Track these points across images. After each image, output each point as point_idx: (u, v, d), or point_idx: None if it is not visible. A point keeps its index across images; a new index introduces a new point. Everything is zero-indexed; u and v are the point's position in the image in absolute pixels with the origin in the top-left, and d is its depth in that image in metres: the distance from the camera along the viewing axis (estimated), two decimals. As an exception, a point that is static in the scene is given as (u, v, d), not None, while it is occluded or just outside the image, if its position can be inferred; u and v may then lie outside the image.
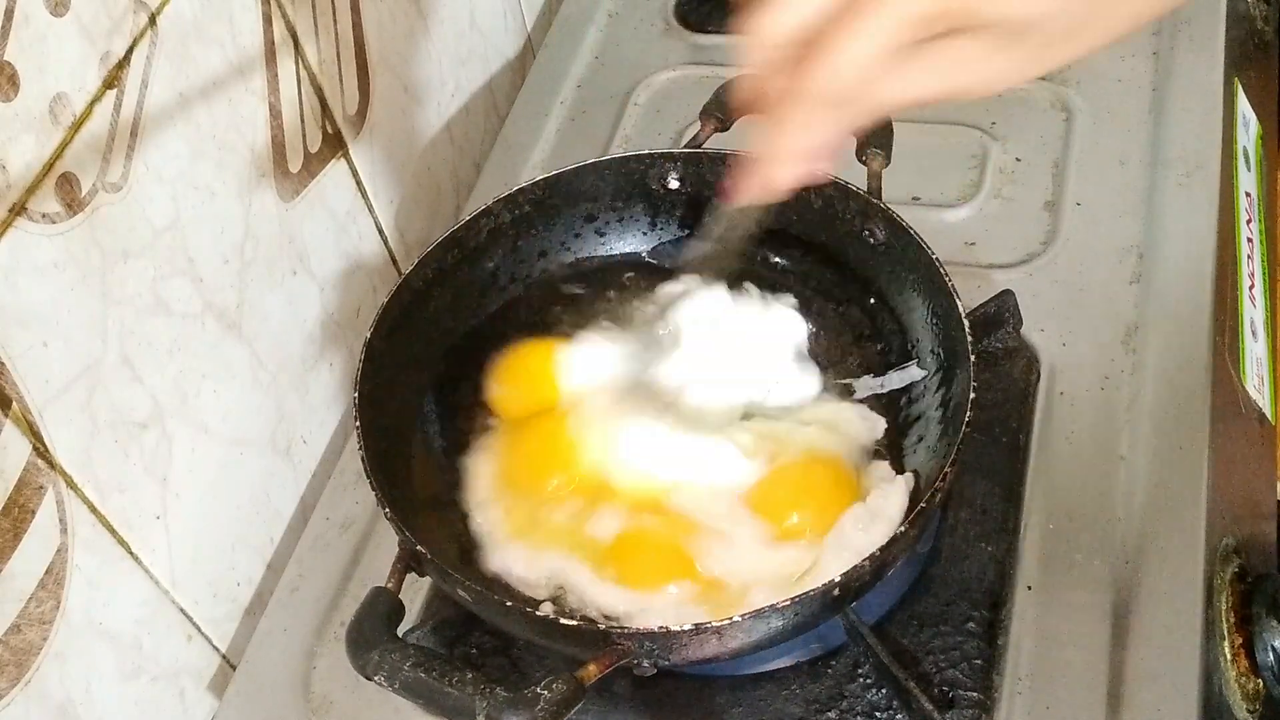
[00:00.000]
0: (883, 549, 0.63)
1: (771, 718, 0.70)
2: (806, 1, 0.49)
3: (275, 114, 0.79)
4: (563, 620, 0.63)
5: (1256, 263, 0.96)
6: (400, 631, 0.73)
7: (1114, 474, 0.77)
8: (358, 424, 0.70)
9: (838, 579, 0.62)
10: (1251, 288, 0.93)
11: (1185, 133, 0.95)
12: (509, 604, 0.64)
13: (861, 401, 0.78)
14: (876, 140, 0.80)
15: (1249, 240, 0.95)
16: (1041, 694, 0.69)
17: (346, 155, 0.88)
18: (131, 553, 0.71)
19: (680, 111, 1.04)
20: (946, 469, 0.65)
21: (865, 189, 0.78)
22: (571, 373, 0.78)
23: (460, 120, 1.04)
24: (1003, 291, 0.81)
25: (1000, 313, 0.81)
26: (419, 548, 0.65)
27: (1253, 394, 0.88)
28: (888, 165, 0.80)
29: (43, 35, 0.60)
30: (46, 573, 0.64)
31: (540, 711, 0.56)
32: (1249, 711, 0.72)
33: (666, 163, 0.83)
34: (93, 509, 0.67)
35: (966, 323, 0.71)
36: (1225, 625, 0.72)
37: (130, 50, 0.66)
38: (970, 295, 0.82)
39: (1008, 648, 0.71)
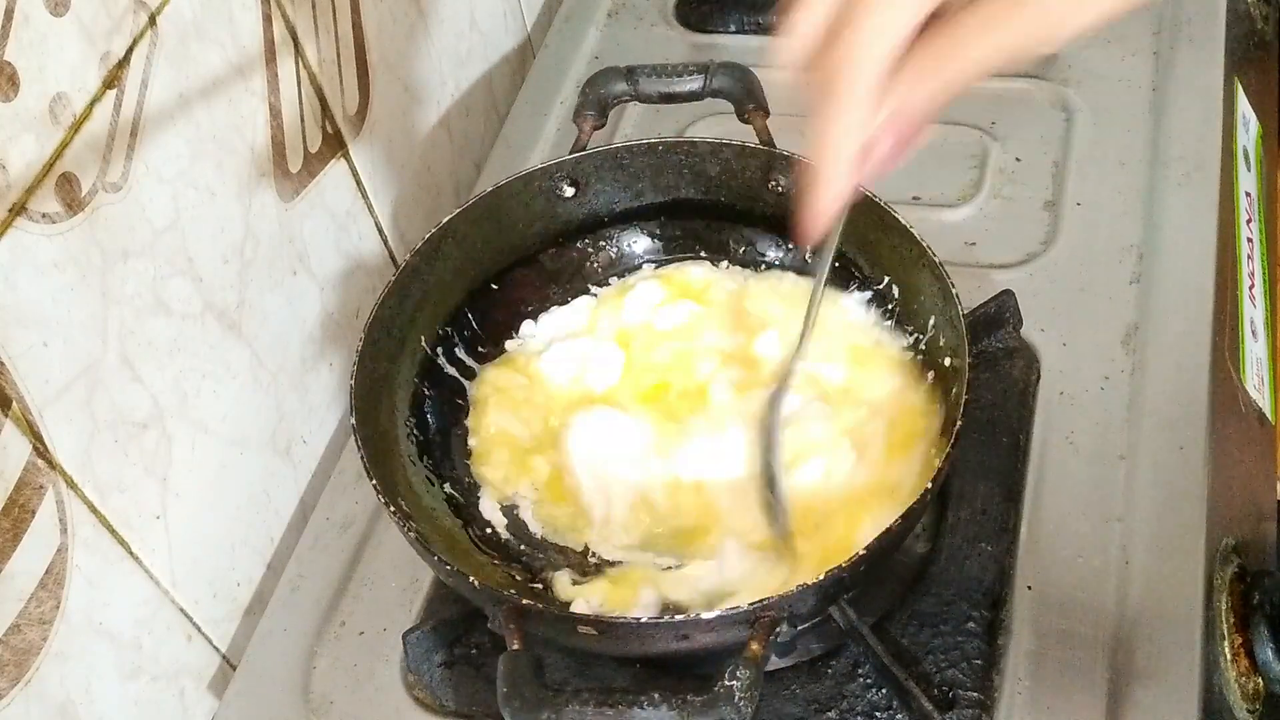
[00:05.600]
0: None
1: (771, 718, 0.70)
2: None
3: (275, 114, 0.79)
4: (705, 615, 0.61)
5: (1256, 263, 0.96)
6: (400, 633, 0.74)
7: (1114, 474, 0.77)
8: (392, 510, 0.68)
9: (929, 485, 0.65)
10: (1251, 288, 0.93)
11: (1185, 133, 0.95)
12: (643, 621, 0.63)
13: None
14: (746, 97, 0.82)
15: (1249, 240, 0.95)
16: (1041, 694, 0.69)
17: (346, 155, 0.88)
18: (131, 553, 0.71)
19: (680, 111, 1.04)
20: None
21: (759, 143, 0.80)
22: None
23: (460, 120, 1.04)
24: (1003, 291, 0.81)
25: (1000, 313, 0.81)
26: (526, 602, 0.64)
27: (1253, 394, 0.88)
28: (769, 116, 0.81)
29: (43, 35, 0.60)
30: (46, 573, 0.64)
31: (740, 702, 0.57)
32: (1249, 711, 0.72)
33: (556, 172, 0.83)
34: (93, 509, 0.67)
35: (916, 233, 0.73)
36: (1225, 625, 0.72)
37: (130, 50, 0.66)
38: (970, 295, 0.82)
39: (1008, 648, 0.71)
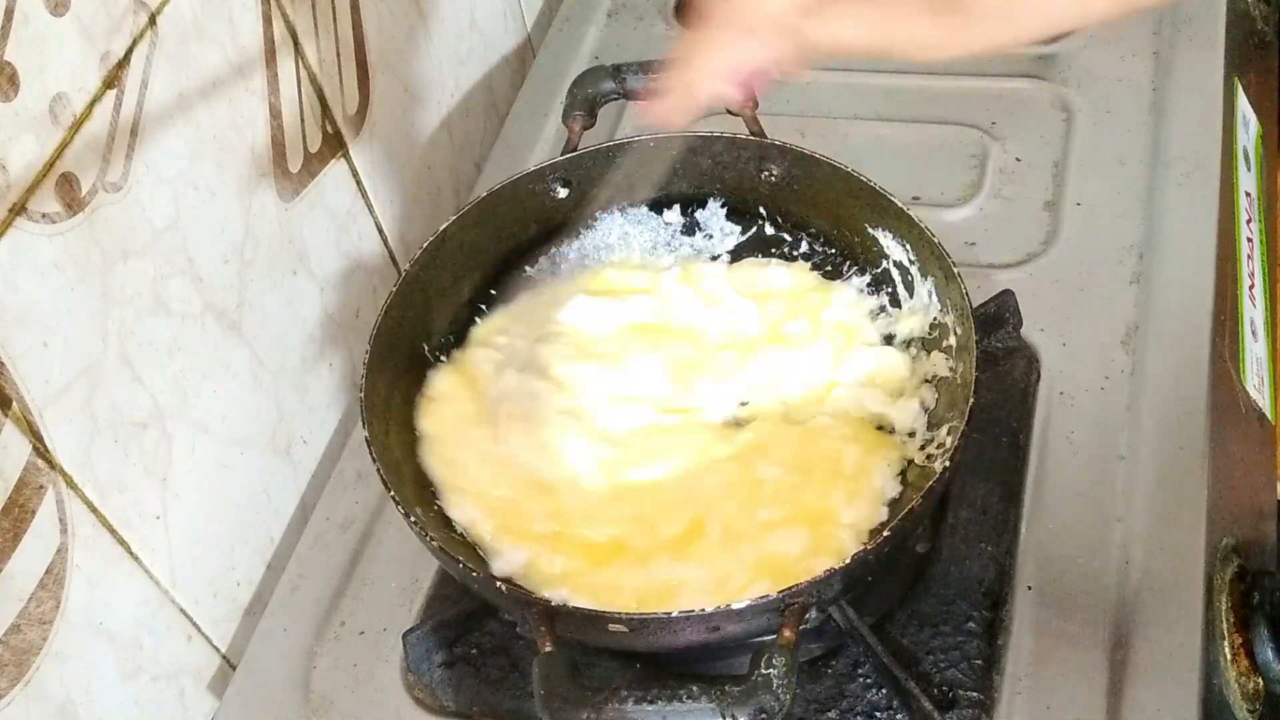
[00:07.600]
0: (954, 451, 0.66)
1: (772, 717, 0.70)
2: None
3: (275, 114, 0.79)
4: (735, 605, 0.62)
5: (1256, 263, 0.96)
6: (400, 633, 0.74)
7: (1114, 474, 0.77)
8: (414, 521, 0.68)
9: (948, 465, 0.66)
10: (1251, 288, 0.93)
11: (1185, 133, 0.95)
12: (674, 615, 0.63)
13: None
14: None
15: (1249, 240, 0.95)
16: (1041, 694, 0.69)
17: (346, 155, 0.88)
18: (131, 553, 0.71)
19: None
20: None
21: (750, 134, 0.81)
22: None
23: (460, 120, 1.04)
24: (1003, 291, 0.81)
25: (1000, 313, 0.81)
26: (556, 603, 0.64)
27: (1253, 394, 0.88)
28: (758, 107, 0.82)
29: (43, 35, 0.60)
30: (46, 573, 0.64)
31: (778, 689, 0.58)
32: (1249, 711, 0.72)
33: (549, 174, 0.83)
34: (93, 509, 0.67)
35: (911, 212, 0.75)
36: (1225, 625, 0.72)
37: (130, 50, 0.66)
38: (970, 295, 0.82)
39: (1008, 648, 0.71)
